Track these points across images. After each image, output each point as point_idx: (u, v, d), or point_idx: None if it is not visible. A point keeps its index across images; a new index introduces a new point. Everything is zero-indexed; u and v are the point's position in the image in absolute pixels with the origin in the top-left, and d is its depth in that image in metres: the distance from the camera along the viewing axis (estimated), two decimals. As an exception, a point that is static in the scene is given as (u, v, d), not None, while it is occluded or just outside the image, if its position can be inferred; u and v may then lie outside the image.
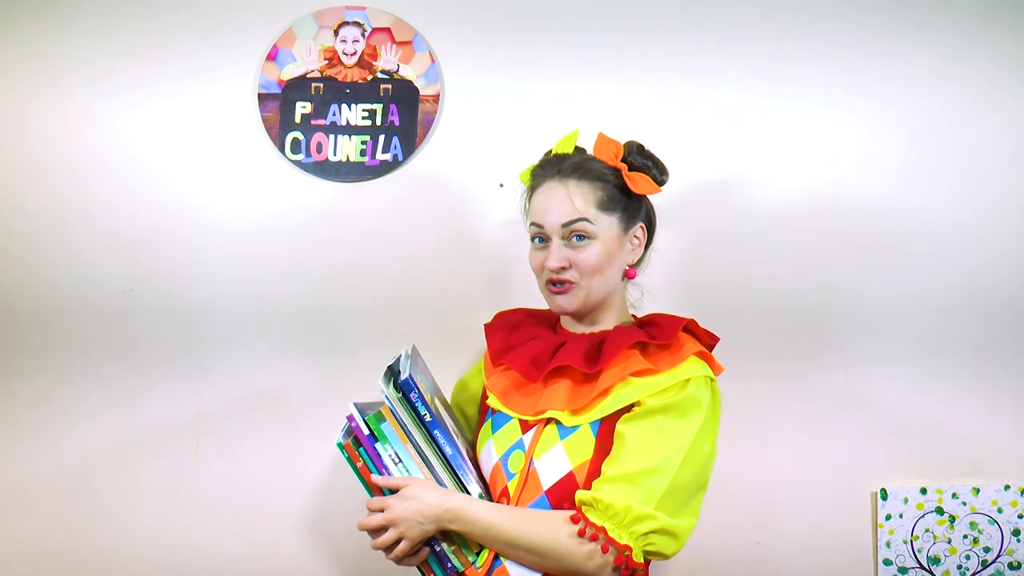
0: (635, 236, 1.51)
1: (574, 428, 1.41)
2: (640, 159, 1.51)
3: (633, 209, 1.51)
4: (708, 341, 1.50)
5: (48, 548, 1.88)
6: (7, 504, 1.88)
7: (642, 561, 1.34)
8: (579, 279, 1.46)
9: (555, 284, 1.47)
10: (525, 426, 1.46)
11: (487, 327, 1.62)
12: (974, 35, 1.87)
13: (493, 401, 1.53)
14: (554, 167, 1.50)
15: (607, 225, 1.47)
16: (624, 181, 1.48)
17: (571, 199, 1.46)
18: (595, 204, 1.46)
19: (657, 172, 1.51)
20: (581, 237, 1.45)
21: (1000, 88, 1.86)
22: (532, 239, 1.51)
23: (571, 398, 1.43)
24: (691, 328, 1.49)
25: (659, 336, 1.44)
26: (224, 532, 1.88)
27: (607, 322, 1.52)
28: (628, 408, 1.40)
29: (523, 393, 1.49)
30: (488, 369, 1.60)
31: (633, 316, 1.57)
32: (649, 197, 1.54)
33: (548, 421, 1.44)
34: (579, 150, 1.54)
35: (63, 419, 1.89)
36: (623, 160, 1.50)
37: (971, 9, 1.87)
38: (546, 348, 1.50)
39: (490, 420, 1.53)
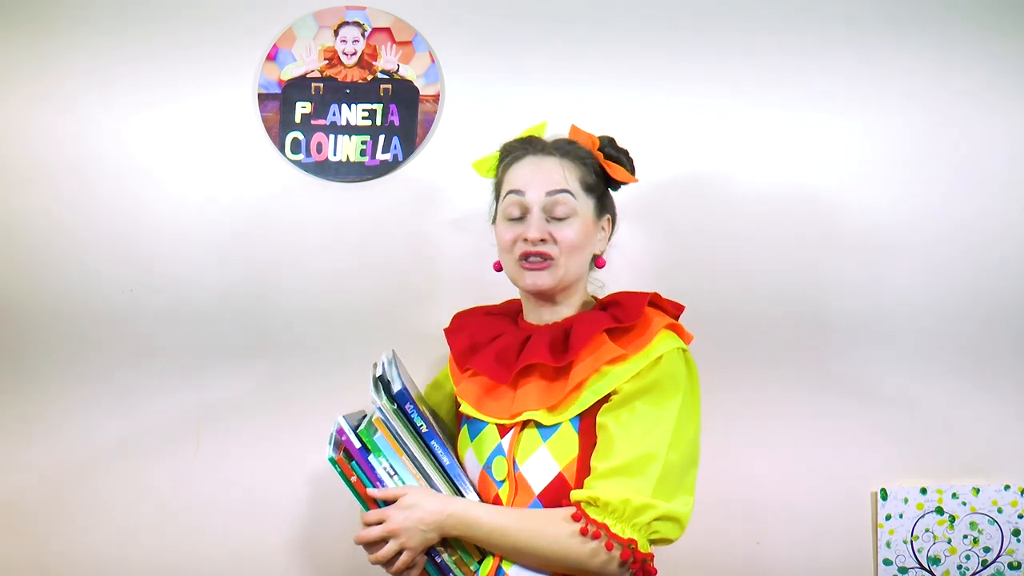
0: (603, 227, 1.52)
1: (555, 427, 1.39)
2: (614, 152, 1.52)
3: (606, 199, 1.53)
4: (674, 312, 1.49)
5: (48, 548, 1.88)
6: (8, 504, 1.88)
7: (649, 550, 1.34)
8: (558, 255, 1.44)
9: (530, 259, 1.44)
10: (503, 430, 1.44)
11: (447, 331, 1.59)
12: (974, 37, 1.86)
13: (467, 408, 1.49)
14: (536, 145, 1.51)
15: (586, 206, 1.47)
16: (602, 168, 1.50)
17: (560, 170, 1.46)
18: (578, 181, 1.47)
19: (629, 166, 1.53)
20: (562, 213, 1.45)
21: (1000, 90, 1.86)
22: (506, 214, 1.48)
23: (545, 395, 1.41)
24: (656, 302, 1.48)
25: (625, 318, 1.42)
26: (225, 532, 1.88)
27: (570, 309, 1.50)
28: (606, 398, 1.39)
29: (494, 397, 1.46)
30: (455, 375, 1.57)
31: (594, 298, 1.55)
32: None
33: (526, 423, 1.42)
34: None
35: (63, 419, 1.89)
36: (599, 150, 1.52)
37: (971, 11, 1.87)
38: (510, 345, 1.47)
39: (466, 426, 1.51)
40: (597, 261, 1.53)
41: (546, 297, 1.49)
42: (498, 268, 1.55)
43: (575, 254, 1.45)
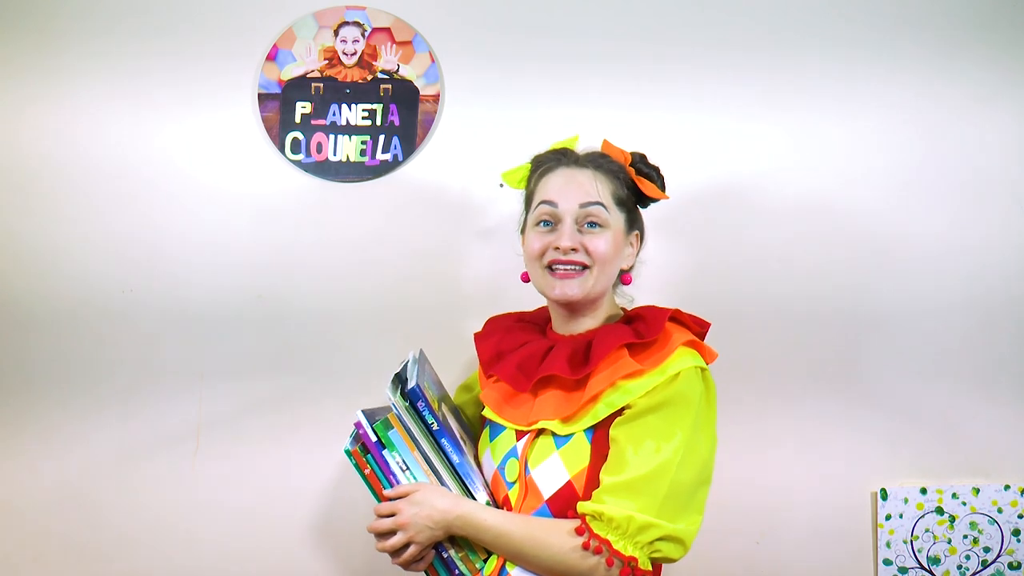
0: (631, 242, 1.52)
1: (569, 436, 1.40)
2: (645, 167, 1.53)
3: (636, 214, 1.53)
4: (698, 329, 1.49)
5: (48, 549, 1.88)
6: (7, 506, 1.88)
7: (650, 568, 1.35)
8: (592, 265, 1.44)
9: (559, 267, 1.45)
10: (519, 433, 1.46)
11: (477, 336, 1.60)
12: (973, 37, 1.87)
13: (488, 412, 1.51)
14: (570, 157, 1.51)
15: (617, 220, 1.47)
16: (633, 184, 1.50)
17: (593, 183, 1.46)
18: (610, 195, 1.47)
19: (660, 183, 1.54)
20: (593, 224, 1.45)
21: (1000, 89, 1.87)
22: (536, 223, 1.48)
23: (562, 406, 1.41)
24: (678, 317, 1.47)
25: (646, 333, 1.42)
26: (224, 533, 1.88)
27: (595, 321, 1.50)
28: (620, 411, 1.39)
29: (514, 404, 1.48)
30: (481, 380, 1.59)
31: (623, 309, 1.55)
32: (643, 213, 1.56)
33: (542, 430, 1.43)
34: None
35: (63, 420, 1.88)
36: (631, 165, 1.52)
37: (970, 12, 1.87)
38: (533, 354, 1.48)
39: (488, 427, 1.53)
40: (623, 277, 1.53)
41: (573, 308, 1.49)
42: (525, 279, 1.55)
43: (606, 266, 1.45)
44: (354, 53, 1.91)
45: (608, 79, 1.89)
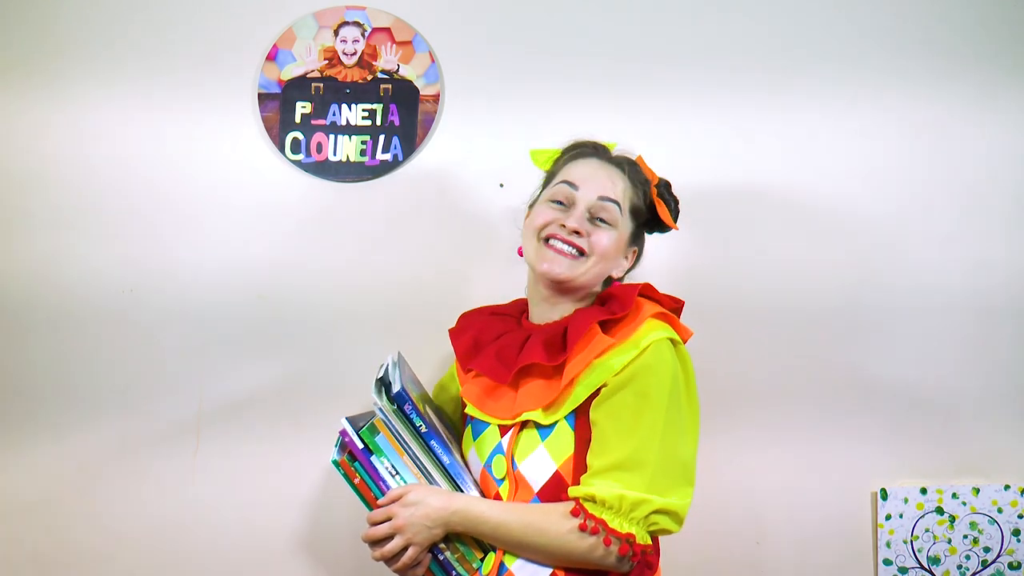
0: (628, 255, 1.54)
1: (552, 426, 1.41)
2: (668, 194, 1.55)
3: (640, 232, 1.55)
4: (672, 305, 1.50)
5: (47, 549, 1.88)
6: (7, 505, 1.88)
7: (648, 542, 1.35)
8: (589, 254, 1.46)
9: (556, 243, 1.45)
10: (503, 429, 1.46)
11: (451, 332, 1.61)
12: (974, 37, 1.87)
13: (471, 409, 1.51)
14: (604, 152, 1.54)
15: (625, 226, 1.50)
16: (652, 203, 1.52)
17: (618, 182, 1.48)
18: (628, 200, 1.49)
19: (675, 214, 1.56)
20: (603, 220, 1.47)
21: (1001, 89, 1.87)
22: (549, 199, 1.50)
23: (542, 395, 1.42)
24: (648, 293, 1.49)
25: (618, 309, 1.44)
26: (224, 533, 1.88)
27: (571, 308, 1.50)
28: (598, 392, 1.40)
29: (495, 397, 1.48)
30: (460, 376, 1.59)
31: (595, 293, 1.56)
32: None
33: (526, 423, 1.43)
34: None
35: (62, 419, 1.88)
36: (655, 186, 1.54)
37: (971, 12, 1.87)
38: (511, 344, 1.48)
39: (470, 426, 1.53)
40: (613, 285, 1.53)
41: (554, 289, 1.49)
42: (521, 254, 1.55)
43: (601, 262, 1.47)
44: (354, 53, 1.92)
45: (609, 78, 1.89)
